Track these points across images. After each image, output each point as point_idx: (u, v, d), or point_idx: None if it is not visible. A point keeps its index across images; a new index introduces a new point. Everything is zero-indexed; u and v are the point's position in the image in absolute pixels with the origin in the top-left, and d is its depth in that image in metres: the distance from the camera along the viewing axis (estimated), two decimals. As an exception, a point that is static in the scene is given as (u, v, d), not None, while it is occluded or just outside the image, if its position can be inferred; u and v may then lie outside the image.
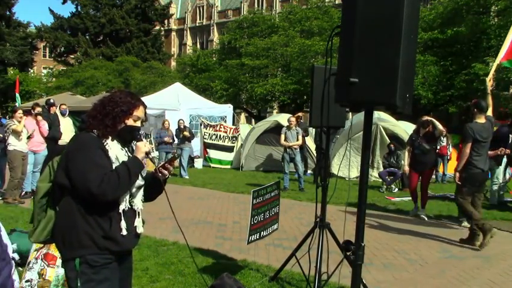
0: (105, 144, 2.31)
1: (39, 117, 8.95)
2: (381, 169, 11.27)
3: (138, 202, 2.42)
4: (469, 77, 20.54)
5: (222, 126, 15.34)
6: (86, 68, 33.17)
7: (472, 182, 5.96)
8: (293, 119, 10.73)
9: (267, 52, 27.99)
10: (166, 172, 2.50)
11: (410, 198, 8.25)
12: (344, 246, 2.87)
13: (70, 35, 38.73)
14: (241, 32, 32.92)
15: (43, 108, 9.85)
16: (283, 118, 13.17)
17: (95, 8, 39.41)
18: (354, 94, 2.36)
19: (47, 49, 45.76)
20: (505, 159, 8.70)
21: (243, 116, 40.26)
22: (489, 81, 6.72)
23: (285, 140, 10.48)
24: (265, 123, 14.79)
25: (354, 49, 2.33)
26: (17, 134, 8.13)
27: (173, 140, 12.54)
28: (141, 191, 2.45)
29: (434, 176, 12.41)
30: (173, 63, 48.11)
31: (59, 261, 3.76)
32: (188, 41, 56.39)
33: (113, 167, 2.27)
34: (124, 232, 2.29)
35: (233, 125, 16.59)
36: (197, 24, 56.33)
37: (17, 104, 18.09)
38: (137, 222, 2.40)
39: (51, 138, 9.30)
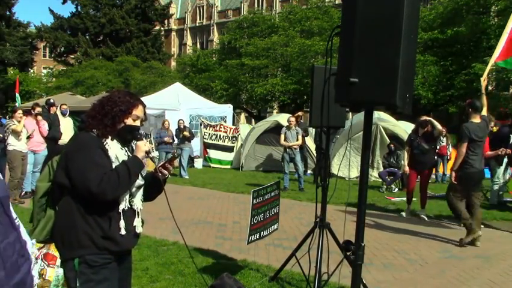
0: (105, 143, 2.31)
1: (39, 117, 8.95)
2: (381, 169, 11.27)
3: (138, 202, 2.42)
4: (469, 77, 20.54)
5: (222, 126, 15.34)
6: (86, 68, 33.18)
7: (467, 181, 6.00)
8: (293, 119, 10.73)
9: (267, 52, 28.00)
10: (166, 172, 2.50)
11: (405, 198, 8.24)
12: (344, 246, 2.87)
13: (70, 35, 38.74)
14: (241, 32, 32.93)
15: (43, 108, 9.85)
16: (283, 118, 13.16)
17: (95, 8, 39.41)
18: (354, 94, 2.35)
19: (47, 49, 45.76)
20: (505, 159, 8.70)
21: (243, 116, 40.27)
22: (483, 82, 6.74)
23: (285, 140, 10.48)
24: (265, 123, 14.79)
25: (354, 49, 2.33)
26: (16, 134, 8.13)
27: (173, 140, 12.55)
28: (141, 191, 2.45)
29: (434, 176, 12.45)
30: (173, 63, 48.12)
31: (59, 261, 3.75)
32: (189, 41, 56.40)
33: (113, 167, 2.27)
34: (123, 232, 2.29)
35: (233, 125, 16.59)
36: (197, 24, 56.34)
37: (17, 104, 18.08)
38: (137, 222, 2.40)
39: (51, 138, 9.30)
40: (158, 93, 17.92)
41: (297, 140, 10.48)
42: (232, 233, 6.41)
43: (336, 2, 35.80)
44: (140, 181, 2.40)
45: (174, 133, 12.67)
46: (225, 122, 16.25)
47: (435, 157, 9.55)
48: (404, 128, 12.15)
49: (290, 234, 6.27)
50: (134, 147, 2.45)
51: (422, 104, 22.10)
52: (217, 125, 15.32)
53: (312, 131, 13.15)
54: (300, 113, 12.45)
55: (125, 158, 2.36)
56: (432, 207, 8.37)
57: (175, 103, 15.58)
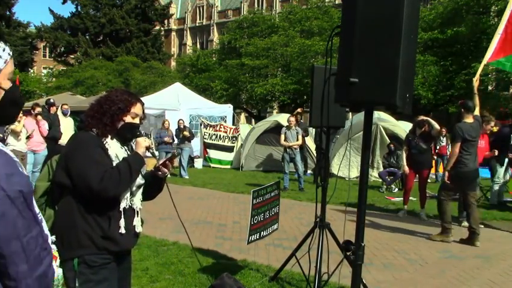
0: (104, 142, 2.31)
1: (39, 117, 8.95)
2: (381, 169, 11.27)
3: (137, 201, 2.42)
4: (469, 77, 20.46)
5: (222, 126, 15.33)
6: (86, 68, 33.19)
7: (461, 180, 6.05)
8: (292, 119, 10.72)
9: (267, 52, 28.00)
10: (166, 170, 2.50)
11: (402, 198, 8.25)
12: (344, 246, 2.86)
13: (70, 35, 38.74)
14: (241, 32, 32.92)
15: (43, 108, 9.85)
16: (283, 118, 13.16)
17: (95, 8, 39.42)
18: (354, 94, 2.35)
19: (47, 49, 45.76)
20: (507, 160, 8.70)
21: (243, 116, 40.26)
22: (476, 82, 6.78)
23: (285, 140, 10.48)
24: (265, 123, 14.79)
25: (354, 49, 2.33)
26: (15, 134, 8.13)
27: (173, 140, 12.55)
28: (140, 190, 2.45)
29: (434, 176, 12.45)
30: (173, 63, 48.12)
31: (58, 261, 3.75)
32: (188, 41, 56.41)
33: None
34: (123, 230, 2.28)
35: (233, 125, 16.59)
36: (197, 24, 56.35)
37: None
38: (136, 221, 2.39)
39: (51, 138, 9.30)
40: (158, 93, 17.92)
41: (297, 140, 10.48)
42: (232, 233, 6.40)
43: (336, 2, 35.80)
44: (140, 180, 2.40)
45: (174, 133, 12.67)
46: (225, 122, 16.25)
47: (435, 157, 9.55)
48: (404, 128, 12.14)
49: (290, 234, 6.27)
50: (134, 146, 2.45)
51: (422, 104, 22.10)
52: (217, 125, 15.31)
53: (312, 131, 13.14)
54: (299, 110, 12.43)
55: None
56: (432, 207, 8.32)
57: (175, 103, 15.58)
